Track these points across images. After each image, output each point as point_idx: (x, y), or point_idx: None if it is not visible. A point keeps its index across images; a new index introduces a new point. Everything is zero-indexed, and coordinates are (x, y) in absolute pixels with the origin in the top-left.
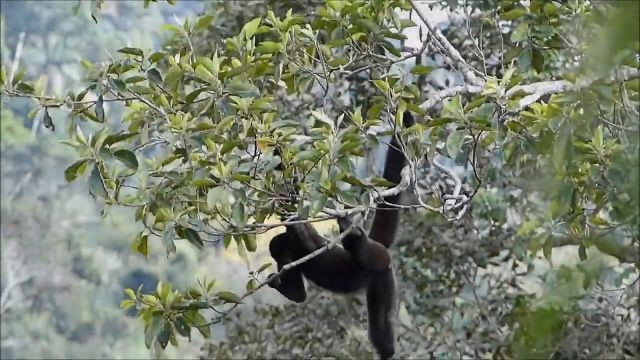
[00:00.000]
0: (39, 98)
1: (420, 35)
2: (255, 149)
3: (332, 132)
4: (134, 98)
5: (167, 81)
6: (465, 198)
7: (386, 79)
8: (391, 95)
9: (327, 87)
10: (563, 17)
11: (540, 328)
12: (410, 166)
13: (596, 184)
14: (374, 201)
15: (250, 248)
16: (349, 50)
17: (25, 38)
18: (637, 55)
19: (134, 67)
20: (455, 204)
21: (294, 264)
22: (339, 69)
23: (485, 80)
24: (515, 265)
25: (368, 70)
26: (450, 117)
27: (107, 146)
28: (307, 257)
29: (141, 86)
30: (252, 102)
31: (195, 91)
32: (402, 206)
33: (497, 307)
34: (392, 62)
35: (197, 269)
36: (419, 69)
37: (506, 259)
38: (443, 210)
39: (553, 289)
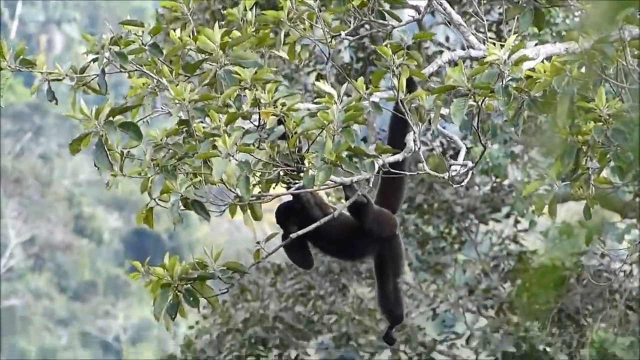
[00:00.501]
0: (41, 72)
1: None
2: (259, 120)
3: (335, 102)
4: (136, 70)
5: (168, 55)
6: (470, 164)
7: (388, 45)
8: (393, 62)
9: (330, 54)
10: None
11: (543, 284)
12: (414, 132)
13: (599, 143)
14: (379, 169)
15: (257, 217)
16: (350, 16)
17: None
18: (638, 13)
19: (135, 41)
20: (460, 169)
21: (300, 232)
22: (340, 35)
23: (487, 44)
24: (517, 222)
25: (368, 27)
26: (454, 84)
27: (110, 118)
28: (313, 226)
29: (143, 58)
30: (255, 72)
31: (197, 62)
32: (408, 173)
33: (499, 263)
34: (394, 28)
35: (199, 228)
36: (421, 35)
37: (507, 216)
38: (449, 177)
39: (555, 245)
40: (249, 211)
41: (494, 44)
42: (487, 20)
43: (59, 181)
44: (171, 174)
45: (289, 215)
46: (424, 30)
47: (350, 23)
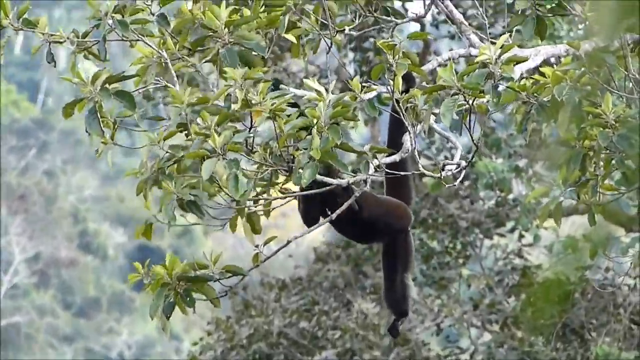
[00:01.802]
0: (42, 33)
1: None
2: (251, 120)
3: (323, 99)
4: (138, 40)
5: (176, 28)
6: (463, 163)
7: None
8: (393, 56)
9: (331, 44)
10: None
11: (547, 299)
12: (410, 132)
13: (606, 150)
14: (375, 169)
15: (255, 231)
16: (355, 13)
17: (29, 11)
18: None
19: (144, 10)
20: (455, 169)
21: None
22: (344, 30)
23: (481, 44)
24: (521, 236)
25: (372, 40)
26: (444, 84)
27: (106, 85)
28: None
29: (147, 29)
30: (247, 71)
31: (200, 38)
32: (402, 173)
33: (504, 278)
34: (397, 24)
35: (203, 243)
36: (416, 34)
37: (512, 230)
38: (441, 177)
39: (559, 260)
40: (247, 223)
41: (483, 40)
42: (490, 34)
43: (64, 197)
44: (168, 176)
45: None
46: (427, 42)
47: (354, 19)
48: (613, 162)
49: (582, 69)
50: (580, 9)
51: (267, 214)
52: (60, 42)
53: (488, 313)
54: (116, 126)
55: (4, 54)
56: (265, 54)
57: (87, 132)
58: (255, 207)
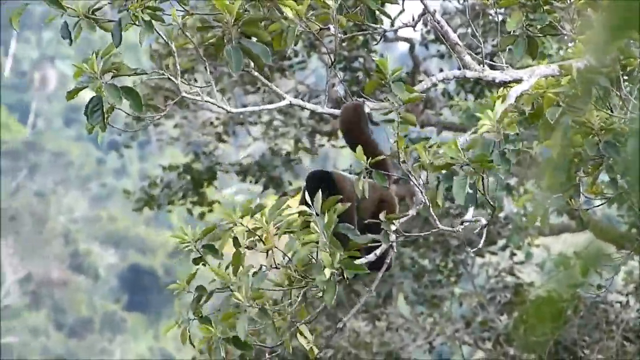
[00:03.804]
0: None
1: (413, 19)
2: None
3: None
4: (150, 26)
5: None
6: (484, 221)
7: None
8: (389, 74)
9: (336, 48)
10: (557, 5)
11: (540, 316)
12: (418, 186)
13: (592, 157)
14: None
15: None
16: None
17: (18, 34)
18: (633, 43)
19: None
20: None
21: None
22: (328, 28)
23: (483, 66)
24: (513, 254)
25: (362, 60)
26: (451, 162)
27: (114, 81)
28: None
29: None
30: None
31: (210, 37)
32: (422, 234)
33: (496, 296)
34: (385, 31)
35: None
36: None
37: (504, 248)
38: (459, 230)
39: (551, 277)
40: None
41: (479, 63)
42: (478, 54)
43: (55, 218)
44: (206, 318)
45: (319, 185)
46: (417, 62)
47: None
48: (600, 168)
49: (573, 91)
50: (569, 28)
51: None
52: (76, 17)
53: (480, 331)
54: (110, 112)
55: None
56: (269, 61)
57: (88, 122)
58: None
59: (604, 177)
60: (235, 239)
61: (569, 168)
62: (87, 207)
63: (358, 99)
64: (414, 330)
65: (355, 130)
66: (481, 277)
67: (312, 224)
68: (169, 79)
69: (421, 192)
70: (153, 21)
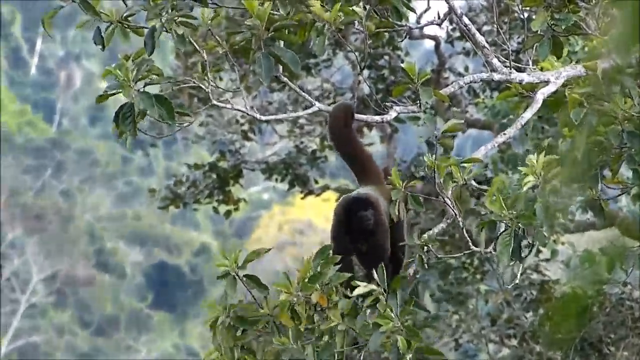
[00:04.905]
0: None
1: (438, 16)
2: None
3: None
4: (183, 38)
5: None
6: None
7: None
8: (417, 78)
9: (365, 53)
10: (582, 4)
11: (565, 313)
12: (449, 204)
13: (614, 147)
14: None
15: None
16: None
17: (44, 32)
18: None
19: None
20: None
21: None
22: (354, 24)
23: (510, 69)
24: (538, 251)
25: (387, 58)
26: (495, 218)
27: (146, 89)
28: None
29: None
30: None
31: (234, 32)
32: (454, 256)
33: (522, 293)
34: (411, 29)
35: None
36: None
37: (530, 245)
38: (491, 252)
39: (577, 274)
40: None
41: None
42: (503, 51)
43: (80, 216)
44: (248, 350)
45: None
46: (443, 59)
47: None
48: (622, 158)
49: (598, 92)
50: (594, 27)
51: None
52: (111, 23)
53: (506, 328)
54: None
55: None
56: (298, 70)
57: (117, 129)
58: None
59: (627, 173)
60: (293, 311)
61: (590, 158)
62: (112, 205)
63: (384, 101)
64: (440, 328)
65: (343, 131)
66: (507, 274)
67: (380, 305)
68: (196, 82)
69: (451, 208)
70: (184, 28)
